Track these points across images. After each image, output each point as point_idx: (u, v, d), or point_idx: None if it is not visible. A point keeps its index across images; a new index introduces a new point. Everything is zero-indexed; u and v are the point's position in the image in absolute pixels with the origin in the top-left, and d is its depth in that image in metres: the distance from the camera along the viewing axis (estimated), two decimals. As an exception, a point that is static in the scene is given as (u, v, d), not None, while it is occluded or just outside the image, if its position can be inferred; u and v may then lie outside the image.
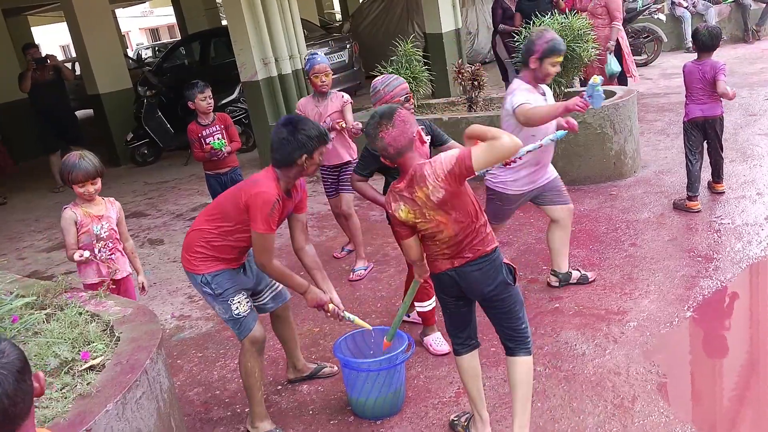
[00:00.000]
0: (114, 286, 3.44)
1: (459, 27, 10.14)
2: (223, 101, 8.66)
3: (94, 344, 2.56)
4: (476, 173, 2.49)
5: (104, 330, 2.71)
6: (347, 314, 3.12)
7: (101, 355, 2.48)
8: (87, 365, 2.40)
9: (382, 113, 2.53)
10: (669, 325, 3.51)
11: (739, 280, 3.84)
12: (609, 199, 5.30)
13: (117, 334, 2.65)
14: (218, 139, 5.02)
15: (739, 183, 5.19)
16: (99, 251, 3.43)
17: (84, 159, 3.34)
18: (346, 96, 4.67)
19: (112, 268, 3.47)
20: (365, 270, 4.72)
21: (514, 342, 2.68)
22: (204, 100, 4.93)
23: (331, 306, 3.08)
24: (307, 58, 4.70)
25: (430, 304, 3.58)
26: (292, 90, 7.70)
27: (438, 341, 3.62)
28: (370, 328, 3.21)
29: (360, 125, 4.41)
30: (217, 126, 5.07)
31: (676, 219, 4.74)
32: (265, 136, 7.92)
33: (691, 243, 4.35)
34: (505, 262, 2.63)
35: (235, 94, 8.92)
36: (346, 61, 10.08)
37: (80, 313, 2.83)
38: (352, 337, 3.31)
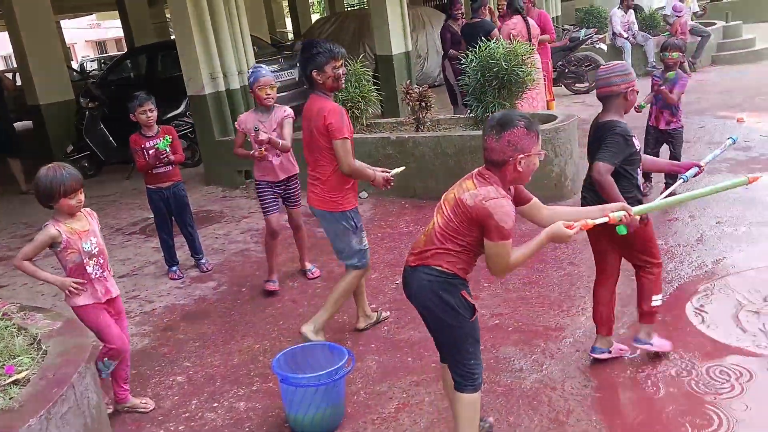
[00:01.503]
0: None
1: (409, 50, 10.29)
2: (169, 115, 8.52)
3: (20, 358, 2.47)
4: None
5: (31, 344, 2.62)
6: (393, 171, 3.80)
7: (26, 369, 2.38)
8: (11, 379, 2.31)
9: (501, 120, 2.46)
10: (604, 341, 3.59)
11: (671, 299, 3.97)
12: (550, 219, 5.42)
13: (44, 348, 2.55)
14: (164, 139, 4.87)
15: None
16: (93, 269, 3.18)
17: (66, 168, 3.12)
18: (289, 110, 4.66)
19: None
20: (316, 268, 4.96)
21: (458, 375, 2.63)
22: (144, 113, 4.83)
23: (387, 176, 3.72)
24: (251, 70, 4.65)
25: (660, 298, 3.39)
26: (240, 105, 7.63)
27: (660, 341, 3.39)
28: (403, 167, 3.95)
29: (266, 137, 4.41)
30: (160, 138, 4.97)
31: (613, 239, 4.89)
32: (211, 151, 7.82)
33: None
34: (462, 295, 2.57)
35: (182, 108, 8.78)
36: (297, 79, 10.07)
37: (6, 327, 2.72)
38: (292, 352, 3.27)
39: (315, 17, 24.15)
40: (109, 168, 9.45)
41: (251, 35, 8.64)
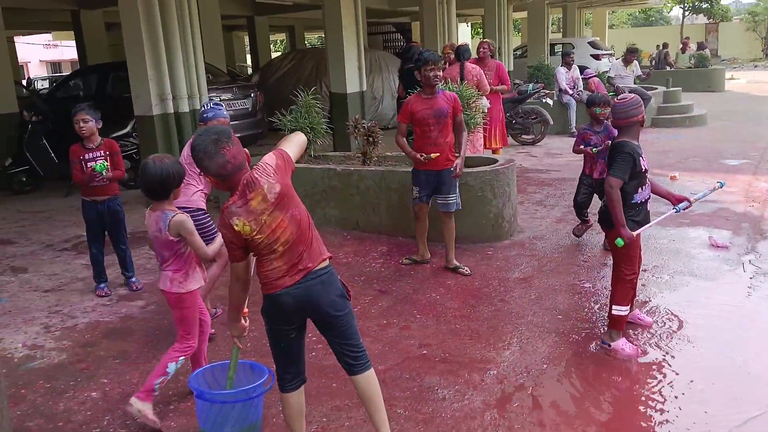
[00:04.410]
0: None
1: (363, 90, 10.50)
2: (115, 134, 8.38)
3: None
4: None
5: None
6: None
7: None
8: None
9: (219, 131, 2.56)
10: (526, 374, 3.65)
11: (591, 337, 4.07)
12: (485, 258, 5.53)
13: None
14: (101, 163, 4.85)
15: (602, 251, 5.57)
16: None
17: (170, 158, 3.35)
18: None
19: None
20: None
21: (356, 359, 2.74)
22: (78, 123, 4.77)
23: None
24: (210, 106, 4.29)
25: (627, 309, 3.86)
26: (188, 129, 7.58)
27: (628, 346, 3.86)
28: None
29: None
30: (102, 151, 4.91)
31: (543, 280, 5.01)
32: (155, 173, 7.71)
33: (554, 302, 4.60)
34: (341, 280, 2.75)
35: (128, 129, 8.68)
36: (249, 109, 10.12)
37: None
38: (212, 370, 3.20)
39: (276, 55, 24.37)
40: (48, 184, 9.22)
41: (206, 63, 8.67)
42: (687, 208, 3.86)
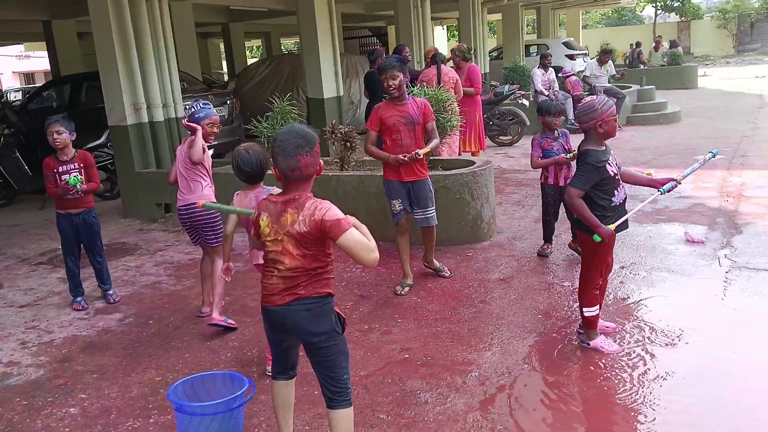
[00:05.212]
0: None
1: (341, 95, 10.50)
2: (89, 145, 8.30)
3: None
4: None
5: None
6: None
7: None
8: None
9: (305, 136, 2.48)
10: (507, 375, 3.67)
11: (572, 336, 4.10)
12: (465, 259, 5.55)
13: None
14: (75, 176, 4.78)
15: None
16: None
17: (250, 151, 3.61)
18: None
19: None
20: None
21: (334, 393, 2.68)
22: (51, 134, 4.70)
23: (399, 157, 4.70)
24: (200, 106, 4.44)
25: (596, 309, 3.83)
26: (163, 138, 7.53)
27: (608, 342, 3.87)
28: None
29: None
30: (75, 164, 4.84)
31: (523, 280, 5.04)
32: (130, 184, 7.64)
33: (534, 302, 4.63)
34: (335, 311, 2.67)
35: (102, 139, 8.59)
36: (226, 117, 10.07)
37: None
38: (191, 381, 3.17)
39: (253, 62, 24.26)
40: (23, 197, 9.09)
41: (181, 71, 8.61)
42: (673, 188, 3.74)
